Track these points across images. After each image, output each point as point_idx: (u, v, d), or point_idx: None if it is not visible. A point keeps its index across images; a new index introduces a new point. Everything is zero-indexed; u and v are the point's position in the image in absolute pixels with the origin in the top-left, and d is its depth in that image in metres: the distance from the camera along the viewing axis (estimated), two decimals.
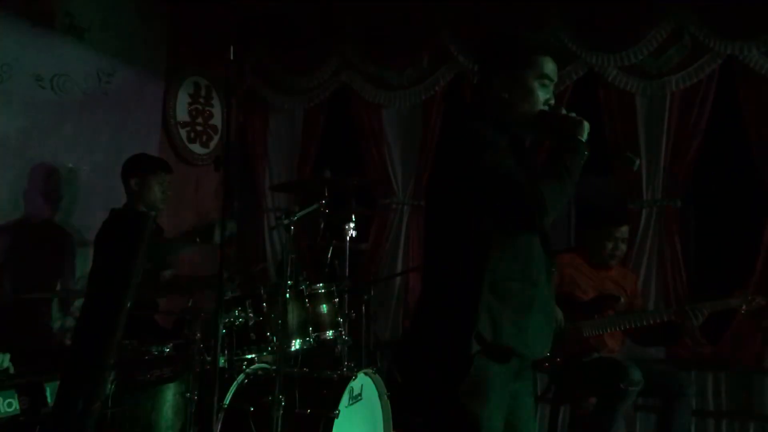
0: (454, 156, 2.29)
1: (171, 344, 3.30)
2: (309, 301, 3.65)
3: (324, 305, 3.71)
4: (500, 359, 2.22)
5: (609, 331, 3.99)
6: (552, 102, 2.37)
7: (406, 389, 2.43)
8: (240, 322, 3.50)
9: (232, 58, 3.09)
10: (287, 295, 3.36)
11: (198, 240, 4.15)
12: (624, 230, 4.13)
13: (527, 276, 2.26)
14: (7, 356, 2.71)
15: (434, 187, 2.41)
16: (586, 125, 2.32)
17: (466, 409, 2.19)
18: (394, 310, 5.27)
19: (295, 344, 3.56)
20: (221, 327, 3.13)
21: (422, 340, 2.31)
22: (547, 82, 2.35)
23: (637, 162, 2.48)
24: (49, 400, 2.55)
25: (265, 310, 3.56)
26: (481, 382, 2.19)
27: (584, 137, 2.30)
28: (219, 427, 3.28)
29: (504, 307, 2.20)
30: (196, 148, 5.34)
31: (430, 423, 2.34)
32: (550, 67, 2.35)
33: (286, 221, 3.42)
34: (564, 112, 2.36)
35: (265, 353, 3.60)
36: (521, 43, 2.40)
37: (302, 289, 3.64)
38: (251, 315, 3.54)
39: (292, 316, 3.54)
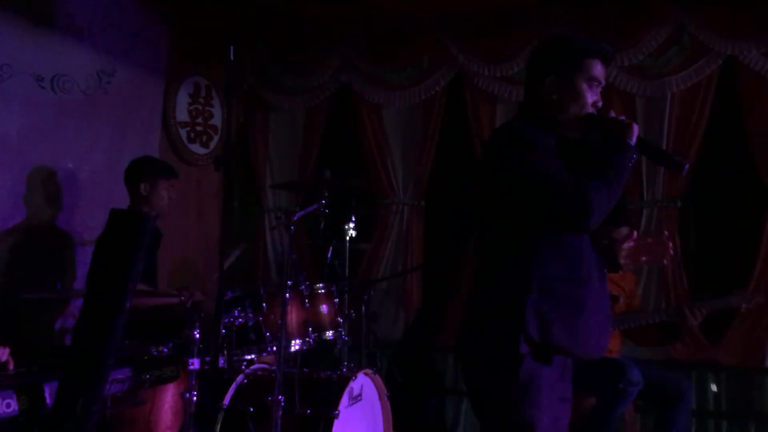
0: (501, 157, 2.30)
1: (171, 344, 3.30)
2: (309, 301, 3.65)
3: (324, 305, 3.71)
4: (549, 359, 2.24)
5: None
6: (599, 104, 2.40)
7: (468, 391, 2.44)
8: (240, 322, 3.50)
9: (232, 58, 3.09)
10: (287, 295, 3.36)
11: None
12: (623, 231, 4.12)
13: (576, 275, 2.27)
14: (7, 350, 2.71)
15: (482, 188, 2.41)
16: (635, 128, 2.34)
17: (518, 409, 2.20)
18: (394, 310, 5.28)
19: (295, 344, 3.56)
20: (221, 327, 3.13)
21: (474, 341, 2.31)
22: (595, 84, 2.39)
23: (686, 166, 2.46)
24: (48, 400, 2.55)
25: (264, 310, 3.57)
26: (532, 382, 2.20)
27: (633, 140, 2.31)
28: (219, 427, 3.28)
29: (554, 307, 2.22)
30: (196, 148, 5.34)
31: (484, 423, 2.33)
32: (598, 69, 2.38)
33: (286, 221, 3.42)
34: (612, 114, 2.38)
35: (264, 353, 3.60)
36: (572, 46, 2.41)
37: (302, 289, 3.64)
38: (251, 315, 3.54)
39: (292, 316, 3.55)
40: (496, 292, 2.27)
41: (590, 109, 2.37)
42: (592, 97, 2.37)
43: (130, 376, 2.91)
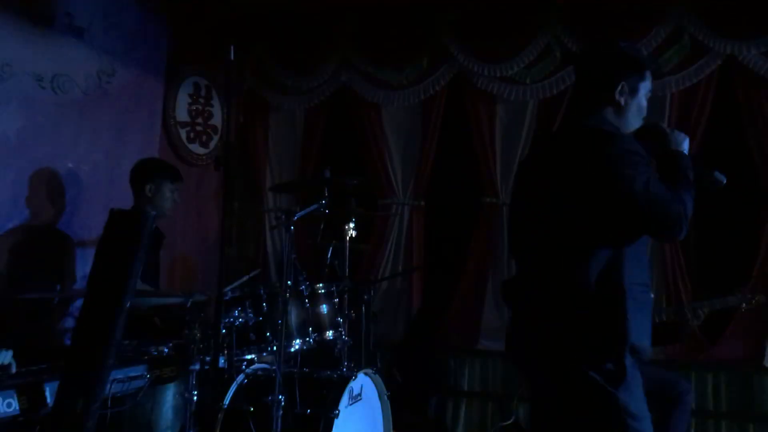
0: (596, 167, 2.24)
1: (171, 344, 3.30)
2: (309, 301, 3.65)
3: (324, 305, 3.71)
4: (641, 359, 2.27)
5: None
6: (644, 116, 2.45)
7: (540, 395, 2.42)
8: (240, 322, 3.50)
9: (232, 58, 3.09)
10: (287, 295, 3.36)
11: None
12: None
13: (646, 280, 2.34)
14: (10, 353, 2.71)
15: (568, 197, 2.30)
16: (685, 138, 2.40)
17: (626, 407, 2.20)
18: (394, 310, 5.28)
19: (295, 344, 3.56)
20: (221, 327, 3.13)
21: (565, 349, 2.27)
22: (649, 95, 2.44)
23: (724, 182, 2.50)
24: (48, 400, 2.55)
25: (265, 310, 3.57)
26: (632, 381, 2.23)
27: (686, 149, 2.37)
28: (219, 427, 3.28)
29: (640, 312, 2.25)
30: (195, 148, 5.34)
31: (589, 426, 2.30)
32: (650, 81, 2.44)
33: (286, 221, 3.42)
34: (663, 126, 2.44)
35: (265, 353, 3.60)
36: (639, 57, 2.47)
37: (302, 289, 3.64)
38: (251, 315, 3.54)
39: (292, 316, 3.55)
40: (590, 302, 2.23)
41: (641, 122, 2.43)
42: (645, 108, 2.44)
43: (131, 376, 2.91)
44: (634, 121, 2.41)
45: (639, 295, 2.25)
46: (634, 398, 2.23)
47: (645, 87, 2.41)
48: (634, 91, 2.38)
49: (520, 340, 2.45)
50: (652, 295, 2.40)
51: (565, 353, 2.27)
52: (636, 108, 2.40)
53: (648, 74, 2.42)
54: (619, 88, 2.36)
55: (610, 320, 2.21)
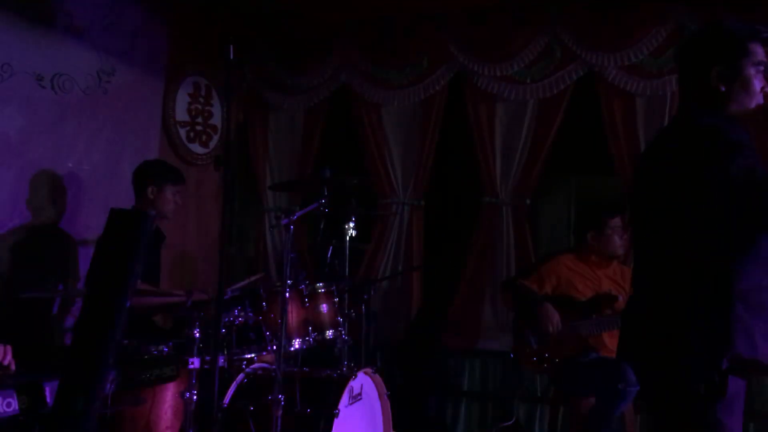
0: (697, 161, 2.12)
1: (171, 344, 3.30)
2: (309, 301, 3.66)
3: (324, 305, 3.72)
4: (750, 375, 2.16)
5: (607, 330, 3.99)
6: (767, 88, 2.27)
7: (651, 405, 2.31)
8: (240, 321, 3.50)
9: (232, 57, 3.09)
10: (287, 294, 3.37)
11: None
12: (617, 221, 4.11)
13: None
14: (8, 350, 2.70)
15: (664, 198, 2.22)
16: None
17: (721, 425, 2.11)
18: (394, 310, 5.28)
19: (295, 344, 3.56)
20: (221, 326, 3.13)
21: (665, 357, 2.17)
22: (762, 68, 2.26)
23: None
24: (48, 399, 2.55)
25: (264, 309, 3.57)
26: (734, 397, 2.12)
27: None
28: (219, 426, 3.28)
29: (756, 319, 2.09)
30: (195, 147, 5.34)
31: None
32: (762, 51, 2.26)
33: (285, 221, 3.43)
34: None
35: (264, 352, 3.61)
36: (733, 32, 2.28)
37: (302, 289, 3.64)
38: (251, 314, 3.55)
39: (292, 316, 3.55)
40: (694, 306, 2.11)
41: (761, 97, 2.25)
42: (760, 83, 2.25)
43: (130, 376, 2.91)
44: (746, 100, 2.24)
45: (758, 300, 2.09)
46: (734, 416, 2.12)
47: (750, 61, 2.23)
48: (734, 71, 2.22)
49: (634, 340, 2.32)
50: None
51: (668, 359, 2.16)
52: (743, 87, 2.23)
53: (753, 47, 2.24)
54: (714, 74, 2.23)
55: (712, 328, 2.08)
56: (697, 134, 2.19)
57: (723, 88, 2.23)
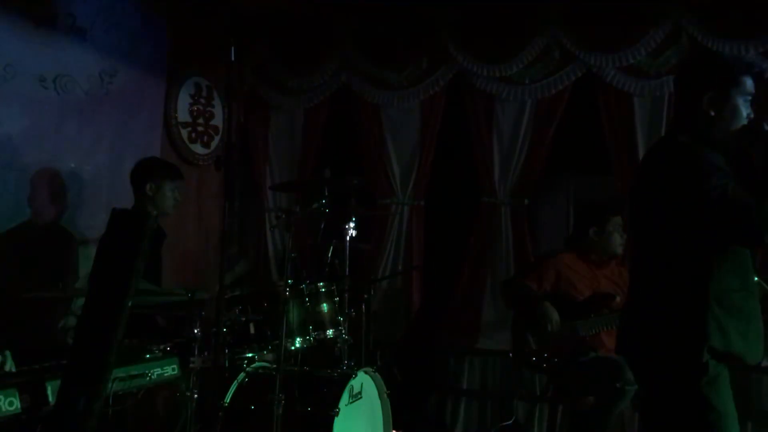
0: (680, 178, 2.35)
1: (172, 343, 3.32)
2: (309, 300, 3.67)
3: (324, 304, 3.73)
4: (727, 363, 2.38)
5: (606, 329, 4.00)
6: (752, 116, 2.49)
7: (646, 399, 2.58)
8: (241, 320, 3.52)
9: (233, 58, 3.11)
10: (288, 293, 3.38)
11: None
12: (618, 221, 4.13)
13: (746, 287, 2.42)
14: (8, 354, 2.72)
15: (651, 207, 2.47)
16: None
17: (709, 400, 2.33)
18: (394, 310, 5.29)
19: (296, 343, 3.58)
20: (222, 325, 3.15)
21: (654, 352, 2.43)
22: (749, 99, 2.48)
23: None
24: (50, 398, 2.57)
25: (265, 308, 3.58)
26: (715, 380, 2.35)
27: None
28: (219, 425, 3.30)
29: (730, 318, 2.34)
30: (197, 148, 5.35)
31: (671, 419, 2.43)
32: (750, 84, 2.48)
33: (286, 221, 3.44)
34: (766, 126, 2.44)
35: (265, 352, 3.62)
36: (728, 64, 2.56)
37: (303, 288, 3.66)
38: (252, 314, 3.56)
39: (293, 315, 3.57)
40: (676, 305, 2.38)
41: (744, 122, 2.46)
42: (746, 110, 2.47)
43: (131, 375, 2.93)
44: (731, 125, 2.46)
45: (734, 302, 2.35)
46: (719, 396, 2.35)
47: (739, 92, 2.45)
48: (725, 99, 2.44)
49: (629, 335, 2.57)
50: (757, 299, 2.47)
51: (652, 358, 2.44)
52: (731, 114, 2.44)
53: (744, 79, 2.46)
54: (706, 99, 2.44)
55: (692, 324, 2.33)
56: (682, 154, 2.41)
57: (712, 113, 2.45)
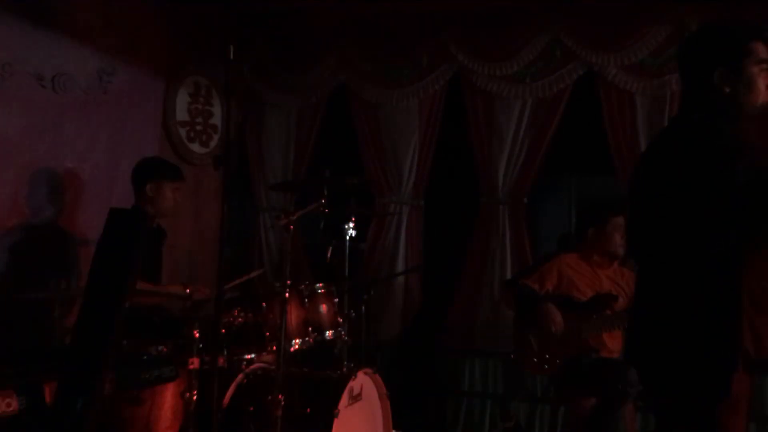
0: (698, 161, 2.11)
1: (171, 344, 3.30)
2: (308, 301, 3.65)
3: (323, 305, 3.71)
4: (757, 372, 2.17)
5: (608, 330, 3.99)
6: None
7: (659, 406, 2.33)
8: (239, 321, 3.50)
9: (232, 57, 3.09)
10: (287, 294, 3.36)
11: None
12: (619, 221, 4.11)
13: None
14: None
15: (664, 198, 2.20)
16: None
17: (722, 425, 2.14)
18: (394, 310, 5.28)
19: (295, 344, 3.56)
20: (221, 326, 3.13)
21: (671, 355, 2.16)
22: (765, 66, 2.24)
23: None
24: (48, 399, 2.55)
25: (264, 309, 3.57)
26: (739, 397, 2.14)
27: None
28: (219, 426, 3.28)
29: (765, 318, 2.11)
30: (195, 147, 5.34)
31: None
32: (764, 49, 2.25)
33: (285, 220, 3.42)
34: None
35: (264, 353, 3.60)
36: (734, 33, 2.28)
37: (302, 289, 3.64)
38: (251, 314, 3.54)
39: (292, 316, 3.55)
40: (701, 303, 2.09)
41: (766, 95, 2.24)
42: (764, 81, 2.24)
43: (130, 376, 2.91)
44: (753, 99, 2.23)
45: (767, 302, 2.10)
46: (738, 417, 2.16)
47: (753, 61, 2.21)
48: (738, 72, 2.21)
49: (640, 341, 2.32)
50: None
51: (671, 363, 2.16)
52: (748, 86, 2.22)
53: (755, 46, 2.22)
54: (717, 76, 2.22)
55: (720, 327, 2.07)
56: (702, 133, 2.18)
57: (728, 90, 2.22)
